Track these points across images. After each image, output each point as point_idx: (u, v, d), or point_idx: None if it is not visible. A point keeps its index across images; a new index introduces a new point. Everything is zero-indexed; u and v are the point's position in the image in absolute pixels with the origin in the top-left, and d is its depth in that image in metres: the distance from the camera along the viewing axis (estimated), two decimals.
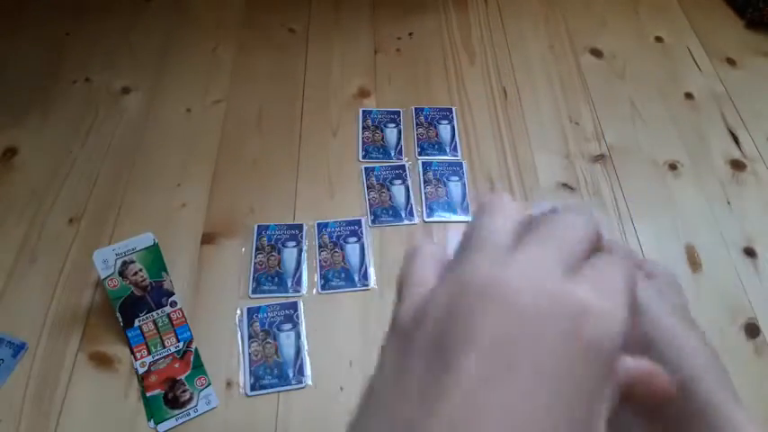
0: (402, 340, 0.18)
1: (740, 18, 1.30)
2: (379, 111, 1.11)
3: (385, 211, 0.96)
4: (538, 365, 0.16)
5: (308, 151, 1.05)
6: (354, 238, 0.93)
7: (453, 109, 1.12)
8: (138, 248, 0.84)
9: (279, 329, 0.83)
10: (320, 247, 0.92)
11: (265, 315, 0.84)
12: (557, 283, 0.17)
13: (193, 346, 0.82)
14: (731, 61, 1.23)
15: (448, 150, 1.05)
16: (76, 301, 0.86)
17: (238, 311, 0.85)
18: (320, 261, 0.90)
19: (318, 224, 0.94)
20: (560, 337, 0.16)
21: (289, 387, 0.78)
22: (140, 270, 0.83)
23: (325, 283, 0.88)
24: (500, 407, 0.15)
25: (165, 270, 0.85)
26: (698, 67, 1.22)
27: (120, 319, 0.82)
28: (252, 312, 0.84)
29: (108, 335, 0.82)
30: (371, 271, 0.90)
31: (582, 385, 0.16)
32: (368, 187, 0.99)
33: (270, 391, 0.78)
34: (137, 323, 0.82)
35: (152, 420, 0.76)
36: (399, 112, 1.11)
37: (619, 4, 1.34)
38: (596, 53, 1.24)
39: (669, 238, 0.96)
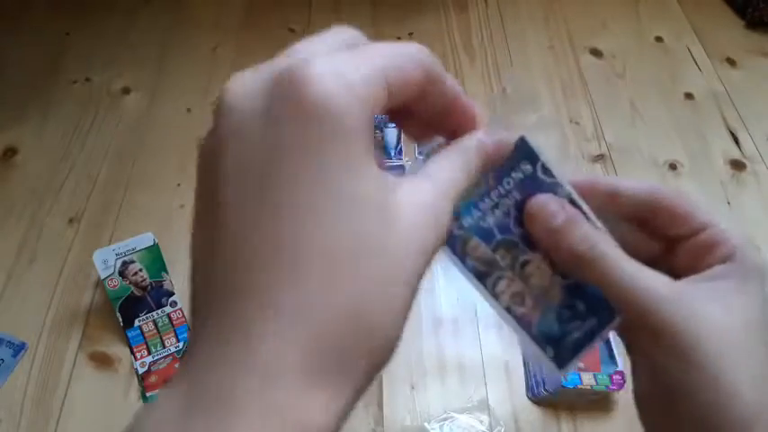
0: None
1: (740, 18, 1.30)
2: None
3: None
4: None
5: None
6: None
7: None
8: (138, 248, 0.84)
9: None
10: None
11: None
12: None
13: None
14: (731, 61, 1.23)
15: None
16: (76, 301, 0.86)
17: None
18: None
19: None
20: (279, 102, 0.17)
21: None
22: (140, 270, 0.83)
23: None
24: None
25: (165, 270, 0.85)
26: (698, 67, 1.22)
27: (120, 319, 0.82)
28: None
29: (108, 335, 0.83)
30: None
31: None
32: None
33: None
34: (137, 323, 0.82)
35: None
36: None
37: (619, 4, 1.34)
38: (596, 53, 1.24)
39: None
